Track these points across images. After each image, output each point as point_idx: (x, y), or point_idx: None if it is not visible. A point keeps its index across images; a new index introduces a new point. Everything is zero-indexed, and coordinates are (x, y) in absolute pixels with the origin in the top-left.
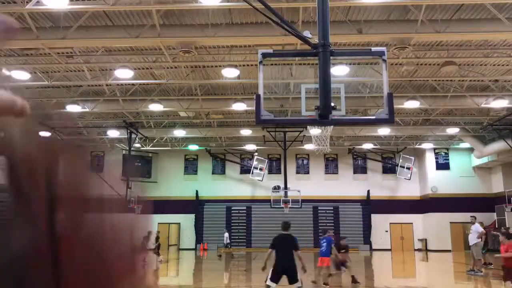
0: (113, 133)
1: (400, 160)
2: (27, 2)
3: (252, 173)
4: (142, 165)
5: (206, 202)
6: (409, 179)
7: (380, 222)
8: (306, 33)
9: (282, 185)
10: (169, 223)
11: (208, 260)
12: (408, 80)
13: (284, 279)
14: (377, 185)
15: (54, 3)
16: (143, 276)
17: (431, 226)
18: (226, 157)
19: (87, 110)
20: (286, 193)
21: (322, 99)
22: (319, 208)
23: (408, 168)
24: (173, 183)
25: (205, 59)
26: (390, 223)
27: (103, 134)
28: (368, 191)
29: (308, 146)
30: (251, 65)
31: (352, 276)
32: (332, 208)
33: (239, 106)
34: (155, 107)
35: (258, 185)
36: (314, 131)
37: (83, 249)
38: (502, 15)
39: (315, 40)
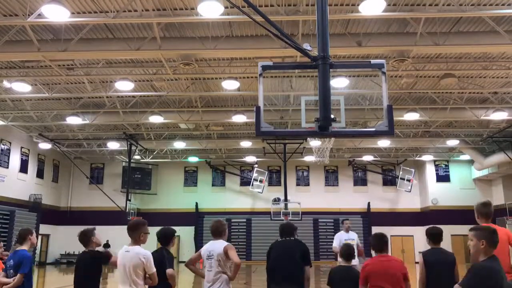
0: (113, 145)
1: (400, 172)
2: (28, 15)
3: (252, 185)
4: (141, 177)
5: (206, 214)
6: (410, 191)
7: None
8: (306, 46)
9: (282, 197)
10: None
11: None
12: (407, 92)
13: None
14: (377, 197)
15: (55, 16)
16: None
17: None
18: (226, 169)
19: (87, 122)
20: (286, 205)
21: (322, 111)
22: (320, 220)
23: (409, 180)
24: (173, 195)
25: (205, 71)
26: (391, 236)
27: (103, 146)
28: (369, 203)
29: (308, 158)
30: (251, 77)
31: None
32: (332, 220)
33: (239, 118)
34: (155, 119)
35: (258, 197)
36: (314, 143)
37: None
38: (500, 28)
39: (315, 52)
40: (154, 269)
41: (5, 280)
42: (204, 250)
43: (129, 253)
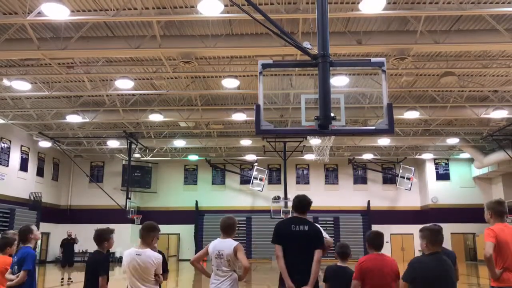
0: (113, 143)
1: (400, 171)
2: (28, 13)
3: (252, 183)
4: (141, 176)
5: (205, 213)
6: (410, 190)
7: None
8: (306, 44)
9: (282, 196)
10: (168, 234)
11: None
12: (407, 91)
13: None
14: (377, 196)
15: (55, 14)
16: None
17: None
18: (226, 167)
19: (87, 120)
20: (286, 203)
21: (322, 109)
22: (320, 218)
23: (408, 179)
24: (173, 194)
25: (205, 69)
26: (391, 234)
27: (103, 144)
28: (369, 202)
29: (308, 156)
30: (251, 75)
31: None
32: (332, 218)
33: (239, 116)
34: (155, 117)
35: (258, 195)
36: (315, 141)
37: None
38: (500, 26)
39: (315, 50)
40: (161, 271)
41: (11, 276)
42: (213, 248)
43: (141, 256)
